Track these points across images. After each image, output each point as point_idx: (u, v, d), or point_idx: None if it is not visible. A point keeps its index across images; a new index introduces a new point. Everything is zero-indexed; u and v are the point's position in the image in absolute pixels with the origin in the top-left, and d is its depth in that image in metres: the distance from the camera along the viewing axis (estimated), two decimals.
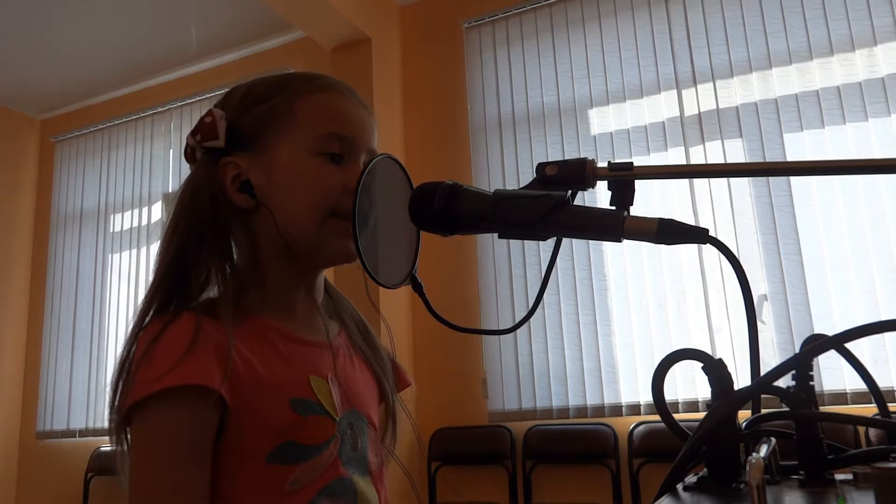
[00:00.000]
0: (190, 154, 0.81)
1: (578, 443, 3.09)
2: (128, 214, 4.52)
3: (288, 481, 0.71)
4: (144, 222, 4.44)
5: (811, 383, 0.63)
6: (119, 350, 0.74)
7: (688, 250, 3.02)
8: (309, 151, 0.78)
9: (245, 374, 0.70)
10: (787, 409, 0.62)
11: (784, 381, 0.61)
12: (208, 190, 0.77)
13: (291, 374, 0.75)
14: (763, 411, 0.65)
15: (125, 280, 4.41)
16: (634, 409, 3.03)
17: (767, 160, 2.98)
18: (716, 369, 0.62)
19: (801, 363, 0.62)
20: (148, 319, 0.74)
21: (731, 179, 3.02)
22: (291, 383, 0.74)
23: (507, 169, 3.50)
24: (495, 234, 0.62)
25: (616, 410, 3.07)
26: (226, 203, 0.77)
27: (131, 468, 0.67)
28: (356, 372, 0.84)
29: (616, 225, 0.57)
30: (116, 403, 0.70)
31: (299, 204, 0.77)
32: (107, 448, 4.14)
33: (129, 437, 0.70)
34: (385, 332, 0.93)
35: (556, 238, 0.62)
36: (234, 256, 0.79)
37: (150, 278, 0.77)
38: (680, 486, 0.59)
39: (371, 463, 0.80)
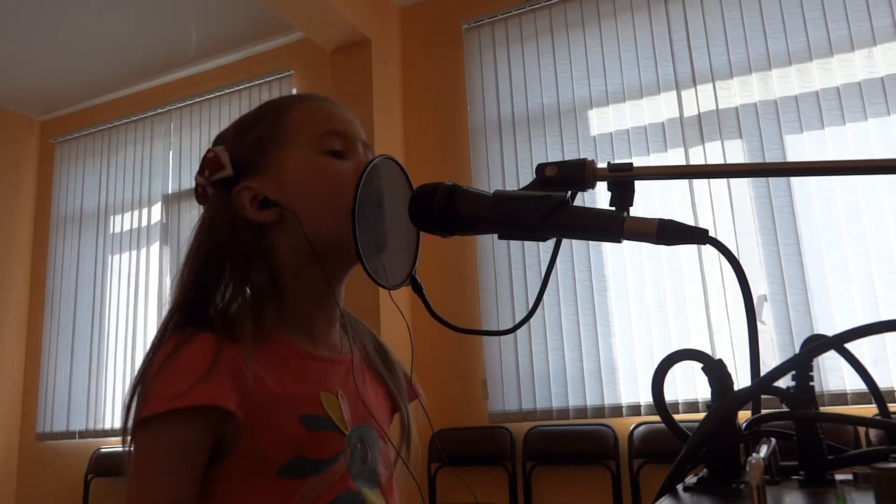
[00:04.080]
0: (202, 193, 0.83)
1: (578, 444, 3.09)
2: (127, 216, 4.52)
3: (298, 494, 0.73)
4: (144, 223, 4.44)
5: (811, 384, 0.63)
6: (128, 357, 0.75)
7: (687, 251, 3.02)
8: (314, 152, 0.80)
9: (257, 392, 0.72)
10: (787, 409, 0.62)
11: (784, 382, 0.61)
12: (227, 216, 0.79)
13: (302, 390, 0.77)
14: (763, 412, 0.65)
15: (125, 281, 4.40)
16: (634, 409, 3.03)
17: (767, 161, 2.98)
18: (716, 370, 0.62)
19: (801, 363, 0.62)
20: (167, 336, 0.75)
21: (731, 180, 3.02)
22: (302, 399, 0.76)
23: (507, 170, 3.50)
24: (495, 235, 0.62)
25: (616, 411, 3.07)
26: (245, 225, 0.79)
27: (132, 478, 0.70)
28: (368, 388, 0.85)
29: (616, 225, 0.57)
30: (131, 414, 0.73)
31: (322, 199, 0.79)
32: (107, 450, 4.14)
33: (132, 447, 0.72)
34: (406, 340, 0.94)
35: (555, 239, 0.62)
36: (253, 277, 0.79)
37: (171, 300, 0.79)
38: (680, 487, 0.59)
39: (381, 475, 0.82)
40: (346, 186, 0.78)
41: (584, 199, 0.60)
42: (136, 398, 0.73)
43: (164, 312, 0.79)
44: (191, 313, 0.77)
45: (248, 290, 0.78)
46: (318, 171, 0.80)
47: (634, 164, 0.59)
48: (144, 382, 0.73)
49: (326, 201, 0.78)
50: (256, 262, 0.79)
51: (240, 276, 0.78)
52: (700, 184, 3.07)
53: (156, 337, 0.77)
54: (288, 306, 0.79)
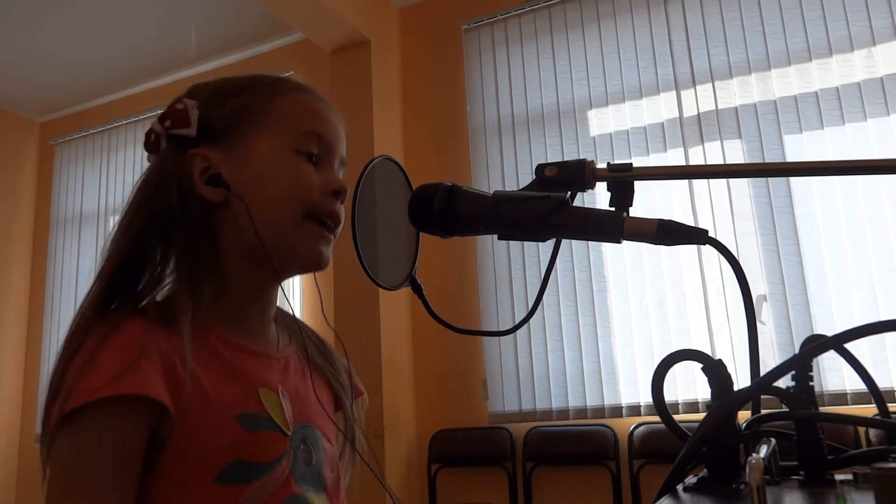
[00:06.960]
0: (153, 142, 0.77)
1: (578, 444, 3.09)
2: None
3: (238, 502, 0.66)
4: None
5: (811, 384, 0.63)
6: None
7: (687, 251, 3.02)
8: (288, 147, 0.75)
9: (190, 388, 0.66)
10: (787, 409, 0.62)
11: (784, 382, 0.61)
12: (176, 180, 0.72)
13: (239, 387, 0.71)
14: (763, 412, 0.65)
15: None
16: (634, 410, 3.03)
17: (767, 161, 2.98)
18: (715, 370, 0.62)
19: (801, 364, 0.63)
20: (90, 326, 0.67)
21: (731, 180, 3.01)
22: (239, 397, 0.70)
23: (507, 170, 3.50)
24: (495, 236, 0.62)
25: (616, 411, 3.07)
26: (194, 196, 0.72)
27: (56, 488, 0.62)
28: (309, 384, 0.80)
29: (615, 226, 0.57)
30: (53, 411, 0.64)
31: (275, 200, 0.73)
32: None
33: (51, 451, 0.64)
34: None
35: (555, 239, 0.62)
36: (194, 256, 0.72)
37: (98, 268, 0.71)
38: (680, 487, 0.59)
39: (327, 479, 0.76)
40: (306, 195, 0.74)
41: (583, 200, 0.60)
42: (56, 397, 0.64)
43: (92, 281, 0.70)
44: (120, 288, 0.69)
45: (188, 267, 0.70)
46: (284, 169, 0.74)
47: (634, 165, 0.59)
48: (66, 380, 0.64)
49: (282, 203, 0.73)
50: (199, 241, 0.72)
51: (182, 250, 0.71)
52: (700, 184, 3.07)
53: (79, 320, 0.68)
54: (223, 295, 0.73)
